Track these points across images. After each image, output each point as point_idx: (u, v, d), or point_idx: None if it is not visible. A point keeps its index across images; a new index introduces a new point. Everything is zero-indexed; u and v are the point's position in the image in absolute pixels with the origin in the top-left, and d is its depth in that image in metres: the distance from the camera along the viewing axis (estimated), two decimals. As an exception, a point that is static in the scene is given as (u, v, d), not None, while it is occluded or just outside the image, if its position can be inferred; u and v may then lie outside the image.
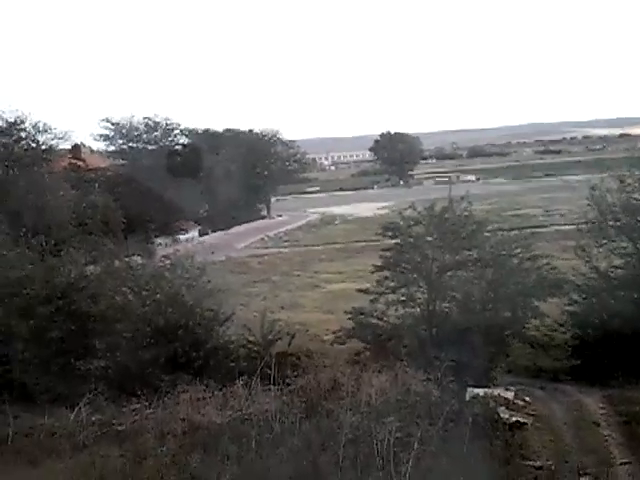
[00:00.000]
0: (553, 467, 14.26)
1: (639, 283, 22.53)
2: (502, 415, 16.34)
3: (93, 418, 16.46)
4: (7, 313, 18.78)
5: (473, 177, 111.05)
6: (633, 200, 23.49)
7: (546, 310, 22.77)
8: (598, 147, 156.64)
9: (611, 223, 23.65)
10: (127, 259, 23.77)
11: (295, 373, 17.97)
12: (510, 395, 17.86)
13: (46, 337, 18.76)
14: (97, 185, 52.52)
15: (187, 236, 64.73)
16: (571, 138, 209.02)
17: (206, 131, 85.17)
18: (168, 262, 23.10)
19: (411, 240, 23.76)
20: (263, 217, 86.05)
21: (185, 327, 19.91)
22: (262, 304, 25.01)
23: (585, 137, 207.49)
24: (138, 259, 26.87)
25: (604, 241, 23.49)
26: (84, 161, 62.10)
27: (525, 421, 16.38)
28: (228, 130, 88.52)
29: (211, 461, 13.56)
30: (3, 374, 17.94)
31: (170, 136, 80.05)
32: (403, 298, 22.99)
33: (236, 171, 77.83)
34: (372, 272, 24.13)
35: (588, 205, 24.13)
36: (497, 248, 23.34)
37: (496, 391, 18.00)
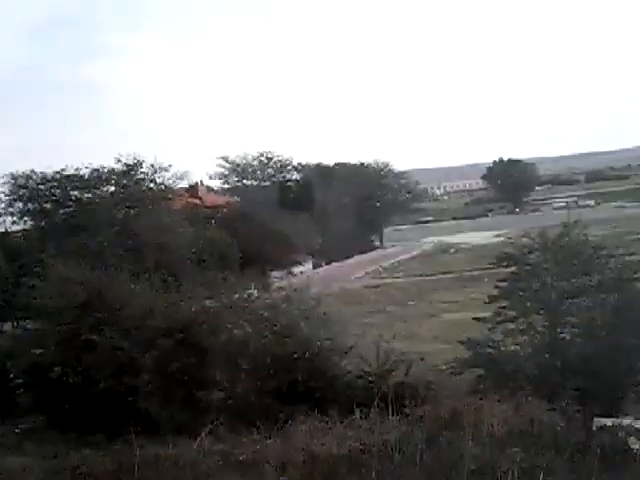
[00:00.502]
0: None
1: None
2: (632, 446, 15.61)
3: (215, 448, 16.72)
4: (132, 346, 19.48)
5: (592, 202, 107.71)
6: None
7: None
8: None
9: None
10: (245, 293, 24.21)
11: (413, 403, 17.74)
12: (641, 425, 17.07)
13: (168, 369, 19.30)
14: (214, 222, 54.10)
15: (301, 269, 65.49)
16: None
17: (317, 165, 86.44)
18: (284, 294, 23.43)
19: (528, 268, 23.33)
20: (376, 248, 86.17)
21: (303, 357, 20.06)
22: (377, 334, 24.90)
23: None
24: (255, 292, 27.35)
25: None
26: (201, 199, 64.27)
27: (657, 452, 15.57)
28: (338, 164, 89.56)
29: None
30: (129, 405, 18.55)
31: (283, 172, 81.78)
32: (522, 327, 22.53)
33: (348, 203, 78.47)
34: (488, 302, 23.82)
35: None
36: (619, 273, 22.56)
37: (625, 421, 17.23)
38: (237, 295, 23.24)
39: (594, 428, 16.49)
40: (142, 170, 44.41)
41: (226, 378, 20.18)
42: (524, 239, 24.34)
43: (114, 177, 44.50)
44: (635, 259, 24.07)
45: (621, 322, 21.47)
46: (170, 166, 45.36)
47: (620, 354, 20.87)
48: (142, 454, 16.46)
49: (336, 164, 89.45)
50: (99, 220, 41.10)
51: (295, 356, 20.06)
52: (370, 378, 21.03)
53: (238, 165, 80.00)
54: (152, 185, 44.86)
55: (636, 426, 16.84)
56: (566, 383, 18.99)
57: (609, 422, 16.80)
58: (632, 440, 15.82)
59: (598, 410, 18.16)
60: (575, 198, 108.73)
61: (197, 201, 61.94)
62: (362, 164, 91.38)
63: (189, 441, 16.85)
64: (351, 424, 16.38)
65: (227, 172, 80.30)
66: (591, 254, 23.17)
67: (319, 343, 20.90)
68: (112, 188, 44.82)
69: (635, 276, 22.46)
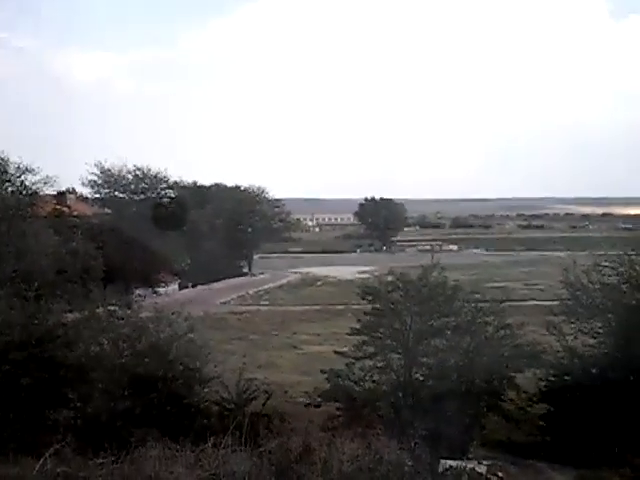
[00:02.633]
0: None
1: (612, 363, 22.65)
2: (473, 488, 16.19)
3: (58, 470, 16.09)
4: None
5: (455, 247, 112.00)
6: (608, 281, 23.85)
7: (522, 383, 22.80)
8: (581, 225, 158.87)
9: (584, 303, 23.95)
10: (106, 309, 23.53)
11: (267, 434, 17.76)
12: (483, 470, 17.74)
13: (17, 384, 18.48)
14: (80, 232, 52.38)
15: (167, 289, 64.40)
16: (554, 214, 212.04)
17: (194, 184, 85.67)
18: (149, 314, 22.96)
19: (391, 306, 23.85)
20: (245, 274, 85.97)
21: (163, 380, 19.69)
22: (238, 362, 24.84)
23: (567, 214, 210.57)
24: (117, 309, 26.64)
25: (577, 320, 23.79)
26: (69, 207, 62.10)
27: (497, 497, 16.24)
28: (215, 185, 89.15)
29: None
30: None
31: (157, 188, 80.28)
32: (380, 364, 22.97)
33: (220, 226, 78.12)
34: (349, 334, 24.17)
35: (561, 282, 24.51)
36: (473, 316, 23.43)
37: (470, 464, 17.86)
38: (99, 310, 22.58)
39: (440, 469, 16.97)
40: (7, 171, 42.24)
41: (78, 396, 19.52)
42: (389, 277, 24.87)
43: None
44: (489, 305, 24.98)
45: (472, 365, 22.28)
46: (37, 169, 43.21)
47: (469, 397, 21.65)
48: (-20, 472, 15.66)
49: (212, 185, 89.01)
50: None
51: (155, 377, 19.67)
52: (228, 406, 20.90)
53: (112, 175, 77.80)
54: (18, 187, 42.74)
55: (479, 470, 17.52)
56: (417, 423, 19.44)
57: (455, 464, 17.35)
58: (473, 483, 16.44)
59: (445, 452, 18.67)
60: (439, 242, 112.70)
61: (64, 209, 59.78)
62: (238, 187, 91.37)
63: (33, 461, 16.17)
64: (203, 453, 16.19)
65: (100, 181, 77.94)
66: (449, 296, 23.91)
67: (181, 367, 20.60)
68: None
69: (487, 320, 23.32)
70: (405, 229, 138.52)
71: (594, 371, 23.07)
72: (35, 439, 17.55)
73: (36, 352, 18.92)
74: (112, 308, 23.65)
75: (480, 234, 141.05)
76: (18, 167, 41.76)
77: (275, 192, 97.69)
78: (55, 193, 55.84)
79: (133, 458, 15.95)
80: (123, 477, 15.45)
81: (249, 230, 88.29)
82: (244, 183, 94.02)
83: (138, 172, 77.88)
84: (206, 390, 21.14)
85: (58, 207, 56.12)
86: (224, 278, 75.59)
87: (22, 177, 42.09)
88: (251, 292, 66.87)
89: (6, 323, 19.56)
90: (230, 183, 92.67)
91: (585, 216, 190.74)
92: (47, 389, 19.16)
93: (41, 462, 16.19)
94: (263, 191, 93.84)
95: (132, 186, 78.03)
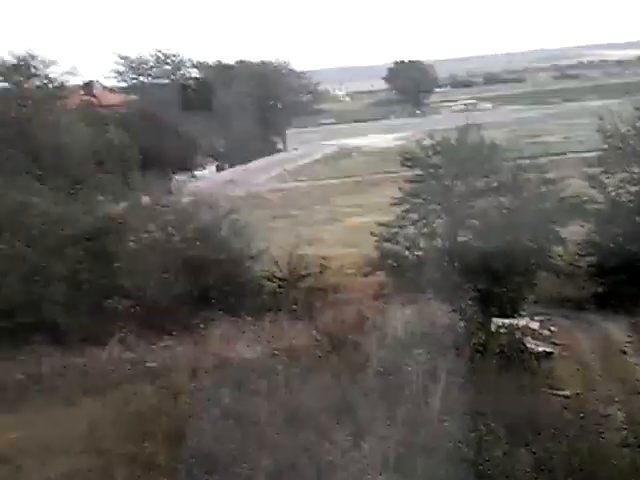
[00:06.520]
0: (581, 396, 14.39)
1: None
2: (528, 345, 16.47)
3: (124, 356, 16.71)
4: (37, 254, 18.92)
5: (490, 105, 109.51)
6: None
7: (569, 238, 22.69)
8: (616, 71, 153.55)
9: (621, 151, 23.47)
10: (150, 197, 23.72)
11: (321, 307, 18.12)
12: (536, 325, 18.03)
13: (75, 278, 18.94)
14: (111, 122, 52.12)
15: (204, 172, 64.39)
16: (588, 62, 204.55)
17: (218, 64, 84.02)
18: (192, 198, 23.15)
19: (431, 170, 23.62)
20: (279, 150, 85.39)
21: (216, 261, 20.01)
22: (285, 239, 24.99)
23: (602, 60, 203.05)
24: (157, 196, 26.87)
25: (617, 169, 23.39)
26: (97, 97, 61.66)
27: (552, 351, 16.52)
28: (240, 62, 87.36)
29: (242, 397, 13.74)
30: (35, 314, 18.18)
31: (181, 69, 78.91)
32: (425, 230, 22.99)
33: (250, 104, 76.95)
34: (392, 204, 24.06)
35: (598, 132, 23.97)
36: (514, 174, 23.14)
37: (522, 321, 18.10)
38: (144, 199, 22.80)
39: (493, 329, 17.23)
40: (33, 63, 41.76)
41: (134, 285, 19.97)
42: (426, 140, 24.48)
43: (3, 71, 41.74)
44: (529, 162, 24.58)
45: (517, 223, 22.15)
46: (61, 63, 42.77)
47: (517, 255, 21.62)
48: (50, 363, 16.34)
49: (238, 62, 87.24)
50: (-10, 120, 38.78)
51: (207, 259, 19.98)
52: (280, 283, 21.26)
53: (133, 62, 76.57)
54: (45, 81, 42.39)
55: (531, 326, 17.77)
56: (466, 285, 19.58)
57: (507, 322, 17.60)
58: (528, 340, 16.72)
59: (496, 311, 18.88)
60: (473, 101, 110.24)
61: (93, 100, 59.37)
62: (263, 62, 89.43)
63: (98, 350, 16.79)
64: (262, 329, 16.66)
65: (122, 69, 76.84)
66: (487, 156, 23.57)
67: (230, 247, 20.87)
68: (1, 84, 42.08)
69: (528, 177, 23.02)
70: (437, 90, 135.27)
71: (638, 219, 22.83)
72: (98, 329, 18.18)
73: (89, 246, 19.26)
74: (155, 196, 23.88)
75: (514, 89, 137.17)
76: (42, 60, 41.33)
77: (302, 64, 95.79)
78: (81, 84, 55.39)
79: (196, 339, 16.54)
80: (187, 358, 16.08)
81: (279, 106, 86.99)
82: (268, 57, 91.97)
83: (159, 54, 76.47)
84: (257, 269, 21.44)
85: (86, 98, 55.76)
86: (260, 157, 75.22)
87: (47, 70, 41.70)
88: (287, 168, 66.66)
89: (56, 218, 19.84)
90: (254, 60, 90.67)
91: (619, 62, 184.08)
92: (104, 281, 19.61)
93: (107, 350, 16.89)
94: (288, 64, 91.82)
95: (155, 70, 76.82)
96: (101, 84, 73.29)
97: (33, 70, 41.68)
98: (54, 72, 42.11)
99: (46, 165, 32.86)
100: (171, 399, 14.02)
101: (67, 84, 44.62)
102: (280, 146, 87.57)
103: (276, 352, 15.67)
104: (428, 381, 13.53)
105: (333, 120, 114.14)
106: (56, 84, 42.49)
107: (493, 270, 20.77)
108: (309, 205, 44.50)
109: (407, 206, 23.48)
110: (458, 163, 23.34)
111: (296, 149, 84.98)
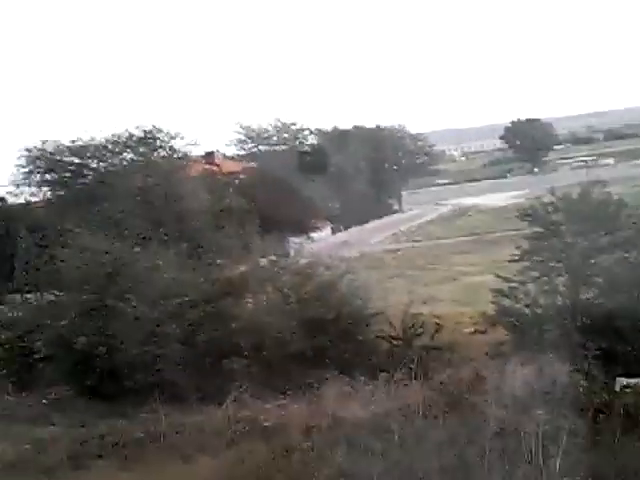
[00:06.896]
0: None
1: None
2: (655, 405, 15.62)
3: (240, 414, 16.95)
4: (159, 316, 19.67)
5: (611, 160, 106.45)
6: None
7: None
8: None
9: None
10: (267, 259, 24.36)
11: (437, 367, 17.87)
12: (664, 385, 17.05)
13: (194, 339, 19.53)
14: (231, 188, 53.89)
15: (320, 234, 65.23)
16: None
17: (334, 129, 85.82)
18: (309, 260, 23.57)
19: (552, 227, 23.21)
20: (395, 212, 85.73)
21: (331, 321, 20.22)
22: (399, 298, 24.93)
23: None
24: (274, 258, 27.48)
25: None
26: (218, 165, 64.01)
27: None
28: (356, 127, 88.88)
29: (356, 456, 13.63)
30: (155, 374, 18.81)
31: (299, 136, 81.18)
32: (545, 287, 22.47)
33: (365, 167, 77.97)
34: (509, 261, 23.68)
35: None
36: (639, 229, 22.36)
37: (648, 380, 17.23)
38: (262, 261, 23.39)
39: (617, 388, 16.50)
40: (159, 136, 44.13)
41: (250, 345, 20.37)
42: (547, 197, 24.13)
43: (132, 144, 44.27)
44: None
45: (643, 279, 21.28)
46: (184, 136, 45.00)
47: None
48: (168, 422, 16.78)
49: (353, 127, 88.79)
50: (118, 189, 40.98)
51: (324, 319, 20.21)
52: (395, 342, 21.17)
53: (253, 130, 79.48)
54: (169, 152, 44.61)
55: (659, 385, 16.85)
56: (589, 344, 18.91)
57: (632, 382, 16.80)
58: (655, 399, 15.85)
59: (621, 370, 18.11)
60: (594, 157, 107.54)
61: (214, 168, 61.68)
62: (378, 127, 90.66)
63: (214, 409, 17.11)
64: (376, 388, 16.55)
65: (243, 138, 79.83)
66: (612, 212, 22.99)
67: (347, 307, 21.05)
68: (129, 156, 44.59)
69: None
70: (555, 147, 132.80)
71: None
72: (214, 388, 18.57)
73: (209, 309, 19.84)
74: (272, 258, 24.44)
75: (637, 144, 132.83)
76: (168, 133, 43.61)
77: (416, 126, 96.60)
78: (203, 154, 57.78)
79: (310, 398, 16.61)
80: (301, 416, 16.13)
81: (394, 167, 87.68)
82: (384, 122, 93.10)
83: (279, 123, 78.99)
84: (372, 328, 21.49)
85: (208, 166, 58.01)
86: (374, 218, 75.70)
87: (171, 142, 43.94)
88: (403, 229, 66.77)
89: (179, 283, 20.64)
90: (369, 124, 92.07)
91: None
92: (221, 341, 20.11)
93: (223, 408, 17.19)
94: (403, 127, 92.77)
95: (274, 138, 79.31)
96: (221, 153, 76.30)
97: (159, 143, 44.06)
98: (178, 143, 44.45)
99: (170, 231, 34.33)
100: (285, 458, 14.08)
101: (190, 154, 46.88)
102: (396, 207, 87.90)
103: (391, 411, 15.51)
104: (548, 442, 13.05)
105: (449, 180, 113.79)
106: (179, 155, 44.72)
107: (617, 328, 20.02)
108: (424, 265, 44.27)
109: (527, 263, 23.09)
110: (580, 219, 22.85)
111: (411, 209, 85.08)
